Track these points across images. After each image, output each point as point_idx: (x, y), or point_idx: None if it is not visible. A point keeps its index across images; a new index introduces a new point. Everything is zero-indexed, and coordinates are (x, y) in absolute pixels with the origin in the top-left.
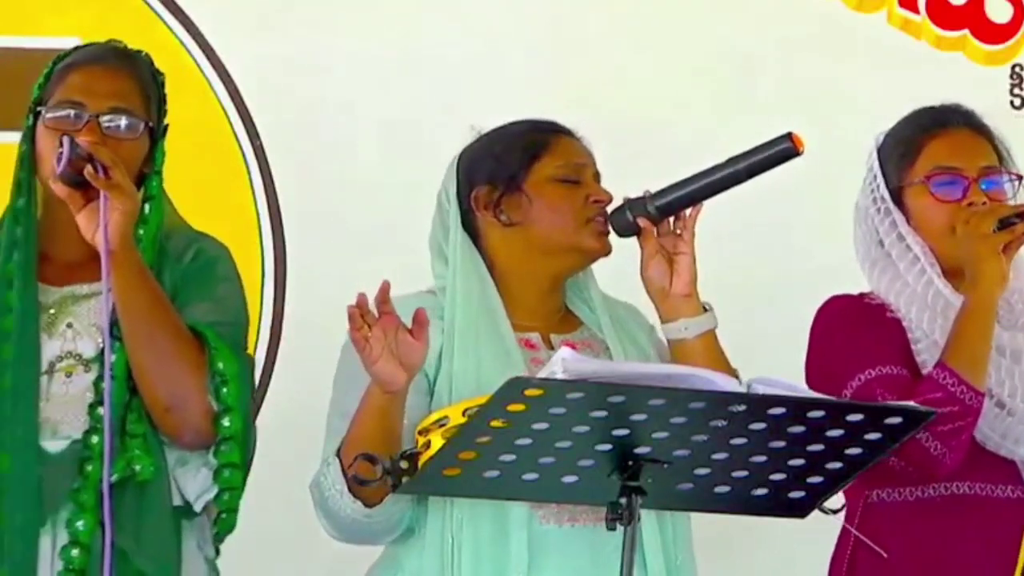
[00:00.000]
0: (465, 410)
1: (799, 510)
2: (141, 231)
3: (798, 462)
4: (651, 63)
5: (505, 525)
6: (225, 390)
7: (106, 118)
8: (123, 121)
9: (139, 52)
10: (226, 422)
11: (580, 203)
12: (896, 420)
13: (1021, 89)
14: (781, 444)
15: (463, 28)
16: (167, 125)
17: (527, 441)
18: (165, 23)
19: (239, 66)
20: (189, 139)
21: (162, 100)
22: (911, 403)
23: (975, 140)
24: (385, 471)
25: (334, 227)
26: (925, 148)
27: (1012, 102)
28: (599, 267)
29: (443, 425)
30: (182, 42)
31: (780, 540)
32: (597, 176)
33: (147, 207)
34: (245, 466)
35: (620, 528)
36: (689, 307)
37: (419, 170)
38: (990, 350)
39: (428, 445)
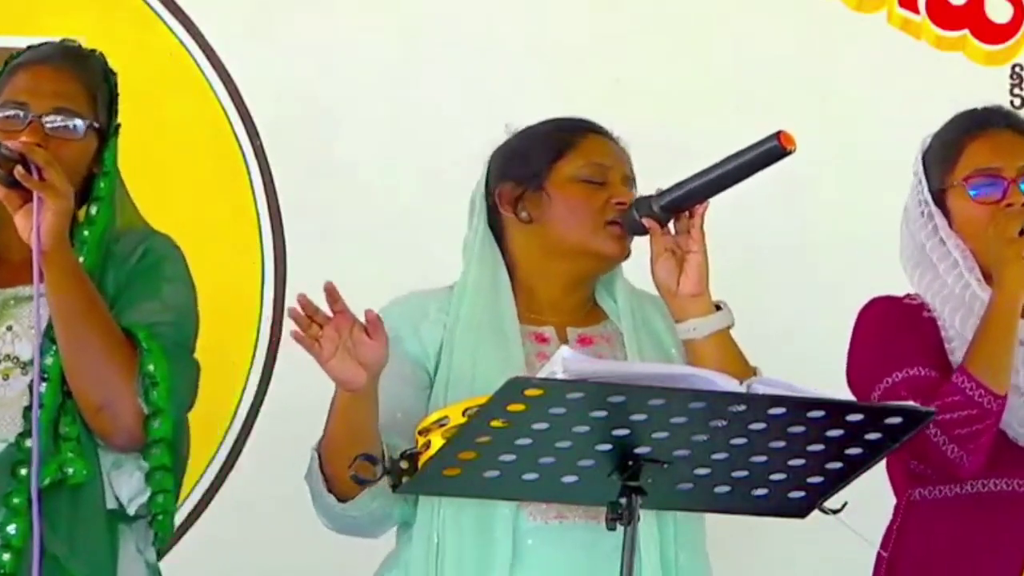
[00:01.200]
0: (465, 410)
1: (799, 510)
2: (87, 232)
3: (798, 462)
4: (651, 64)
5: (490, 522)
6: (155, 392)
7: (49, 118)
8: (67, 122)
9: (91, 51)
10: (156, 424)
11: (600, 204)
12: (896, 420)
13: (1021, 89)
14: (781, 444)
15: (463, 29)
16: (118, 125)
17: (527, 441)
18: (165, 23)
19: (239, 66)
20: (189, 139)
21: (113, 100)
22: (910, 403)
23: (1015, 141)
24: (385, 471)
25: (334, 227)
26: (966, 150)
27: (1012, 102)
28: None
29: (443, 425)
30: (182, 42)
31: (780, 540)
32: (627, 179)
33: (94, 208)
34: (177, 469)
35: (620, 528)
36: (698, 307)
37: (419, 170)
38: (1013, 353)
39: (428, 445)
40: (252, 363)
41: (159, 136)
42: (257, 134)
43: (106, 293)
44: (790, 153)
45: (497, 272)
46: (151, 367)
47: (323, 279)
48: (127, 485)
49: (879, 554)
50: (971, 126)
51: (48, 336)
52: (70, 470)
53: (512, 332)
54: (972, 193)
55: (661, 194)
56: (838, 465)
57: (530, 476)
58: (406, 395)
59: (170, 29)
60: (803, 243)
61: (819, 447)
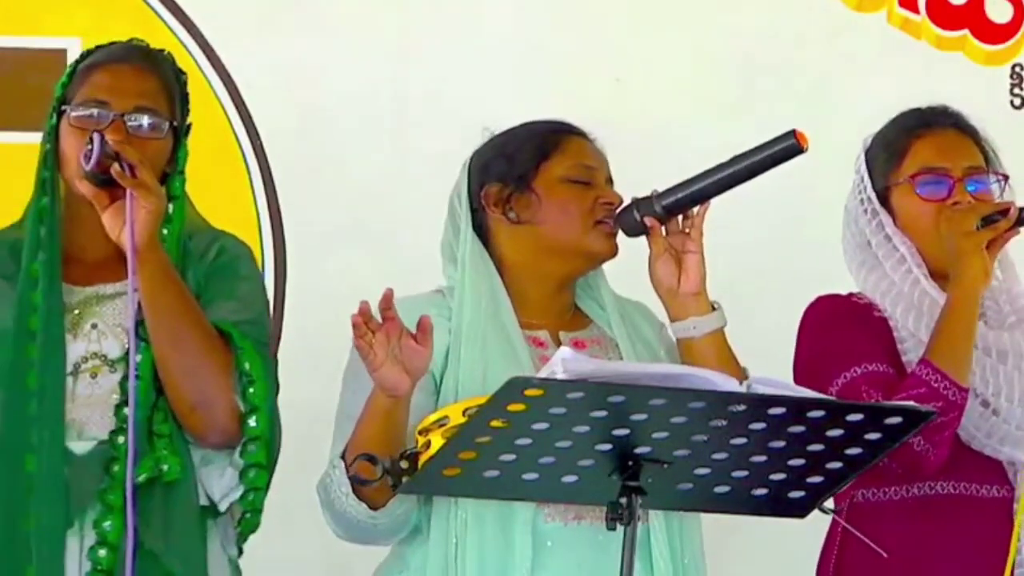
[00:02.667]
0: (465, 410)
1: (799, 510)
2: (165, 231)
3: (798, 462)
4: (651, 64)
5: (509, 524)
6: (252, 390)
7: (131, 117)
8: (148, 120)
9: (162, 51)
10: (252, 422)
11: (589, 204)
12: (896, 420)
13: (1021, 89)
14: (781, 444)
15: (463, 29)
16: (190, 124)
17: (527, 441)
18: (165, 23)
19: (239, 66)
20: (189, 139)
21: (185, 99)
22: (911, 403)
23: (961, 141)
24: (385, 471)
25: (334, 227)
26: (911, 149)
27: (1012, 102)
28: (609, 265)
29: (443, 425)
30: (182, 42)
31: (780, 540)
32: (609, 180)
33: (171, 207)
34: (270, 466)
35: (620, 528)
36: (697, 306)
37: (419, 170)
38: (973, 346)
39: (428, 445)
40: None
41: None
42: (257, 134)
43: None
44: (804, 151)
45: (492, 277)
46: (247, 364)
47: (323, 279)
48: (219, 482)
49: (824, 556)
50: (917, 125)
51: (137, 334)
52: (165, 467)
53: (516, 337)
54: (919, 191)
55: (664, 194)
56: (838, 465)
57: (530, 476)
58: (418, 400)
59: (170, 29)
60: (802, 243)
61: (819, 447)
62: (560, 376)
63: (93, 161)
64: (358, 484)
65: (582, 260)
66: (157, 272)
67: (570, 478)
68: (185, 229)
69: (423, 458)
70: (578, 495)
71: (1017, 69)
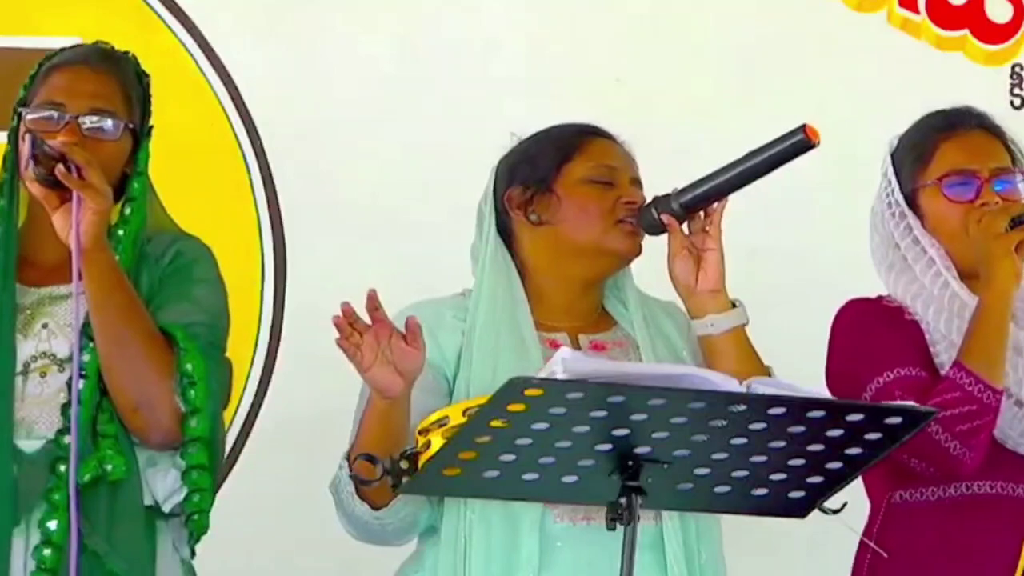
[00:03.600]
0: (465, 410)
1: (799, 510)
2: (121, 232)
3: (798, 462)
4: (650, 64)
5: (517, 524)
6: (193, 392)
7: (86, 119)
8: (103, 122)
9: (124, 53)
10: (193, 423)
11: (610, 204)
12: (896, 420)
13: (1021, 89)
14: (781, 444)
15: (464, 29)
16: (152, 127)
17: (527, 441)
18: (165, 23)
19: (239, 66)
20: (189, 139)
21: (146, 101)
22: (910, 403)
23: (987, 141)
24: (385, 471)
25: (334, 226)
26: (938, 151)
27: (1012, 102)
28: (637, 265)
29: (443, 425)
30: (182, 42)
31: (781, 540)
32: (635, 180)
33: (128, 208)
34: (214, 468)
35: (620, 528)
36: (716, 303)
37: (419, 170)
38: (1006, 348)
39: (428, 445)
40: (252, 363)
41: (159, 136)
42: (257, 134)
43: (140, 293)
44: (815, 146)
45: (511, 278)
46: (189, 366)
47: (323, 279)
48: (162, 483)
49: (859, 556)
50: (943, 126)
51: (86, 334)
52: (109, 467)
53: (530, 339)
54: (947, 193)
55: (681, 191)
56: (838, 465)
57: (530, 476)
58: (428, 403)
59: (170, 29)
60: (803, 244)
61: (819, 447)
62: (560, 376)
63: (24, 163)
64: (359, 484)
65: (604, 260)
66: (102, 273)
67: (570, 478)
68: (146, 231)
69: (423, 458)
70: (578, 495)
71: (1017, 69)
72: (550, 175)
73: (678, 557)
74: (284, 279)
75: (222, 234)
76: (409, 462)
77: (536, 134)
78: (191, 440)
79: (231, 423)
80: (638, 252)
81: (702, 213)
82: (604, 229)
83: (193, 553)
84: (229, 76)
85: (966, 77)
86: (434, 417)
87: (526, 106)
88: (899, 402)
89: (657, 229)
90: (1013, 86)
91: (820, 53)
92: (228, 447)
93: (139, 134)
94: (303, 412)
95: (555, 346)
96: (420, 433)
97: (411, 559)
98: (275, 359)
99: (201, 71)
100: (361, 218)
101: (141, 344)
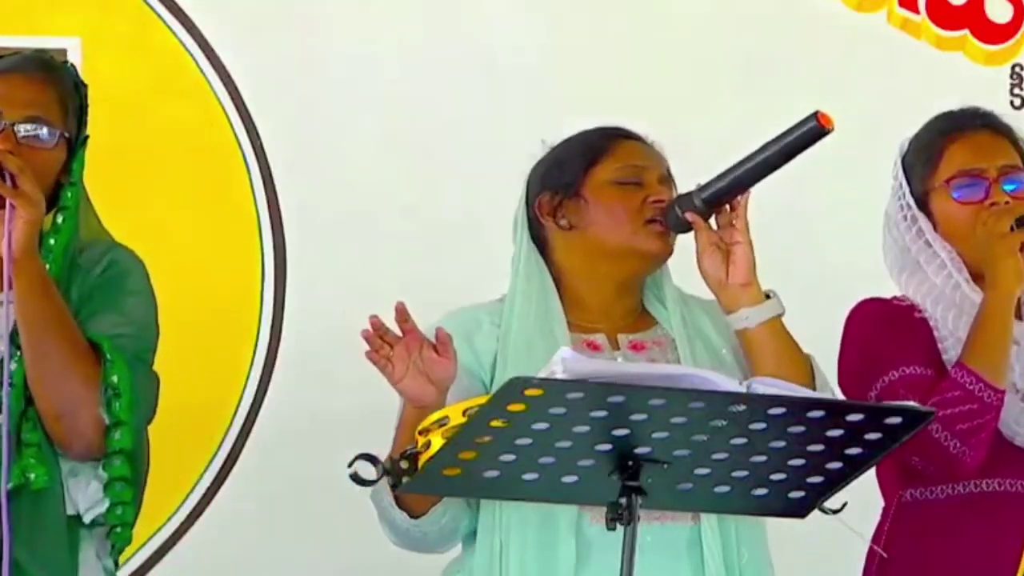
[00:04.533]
0: (465, 410)
1: (799, 510)
2: (52, 241)
3: (798, 462)
4: (650, 64)
5: (554, 529)
6: (118, 404)
7: (22, 127)
8: (39, 131)
9: (63, 62)
10: (117, 436)
11: (637, 205)
12: (896, 420)
13: (1021, 89)
14: (781, 444)
15: (463, 28)
16: (87, 136)
17: (527, 441)
18: (165, 23)
19: (239, 66)
20: (189, 139)
21: (83, 111)
22: (910, 403)
23: (995, 141)
24: (385, 471)
25: (334, 227)
26: (946, 152)
27: (1012, 102)
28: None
29: (443, 425)
30: (182, 42)
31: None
32: (664, 179)
33: (60, 218)
34: (137, 481)
35: (620, 528)
36: (749, 296)
37: (420, 170)
38: (1009, 348)
39: (428, 445)
40: (252, 363)
41: (159, 136)
42: (257, 134)
43: (70, 303)
44: (829, 132)
45: (544, 282)
46: (115, 378)
47: (323, 279)
48: (84, 494)
49: (870, 554)
50: (950, 128)
51: (13, 342)
52: (32, 475)
53: (563, 340)
54: (955, 194)
55: (703, 188)
56: (838, 465)
57: (530, 476)
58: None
59: (170, 29)
60: (803, 242)
61: (819, 447)
62: (560, 376)
63: None
64: (358, 483)
65: (635, 261)
66: (32, 282)
67: (570, 478)
68: (78, 241)
69: (423, 458)
70: (578, 495)
71: (1017, 69)
72: (577, 179)
73: (716, 557)
74: (284, 279)
75: (222, 234)
76: (409, 462)
77: (565, 140)
78: (114, 452)
79: (231, 422)
80: (669, 252)
81: (728, 207)
82: (633, 230)
83: (117, 564)
84: (229, 76)
85: (966, 77)
86: (434, 417)
87: (526, 106)
88: (899, 402)
89: (684, 227)
90: (1013, 86)
91: (820, 53)
92: (228, 447)
93: (74, 143)
94: (302, 412)
95: (593, 346)
96: (420, 433)
97: (453, 562)
98: (275, 359)
99: (201, 71)
100: (361, 218)
101: (67, 354)
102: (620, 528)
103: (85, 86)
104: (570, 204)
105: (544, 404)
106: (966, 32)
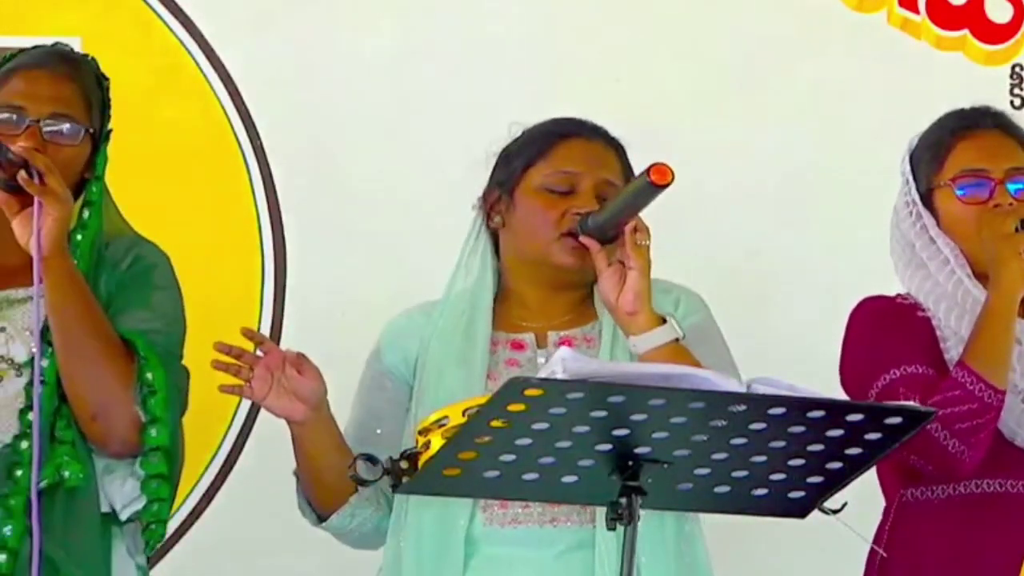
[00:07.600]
0: (465, 410)
1: (799, 510)
2: (79, 236)
3: (798, 462)
4: (649, 64)
5: (446, 528)
6: (153, 400)
7: (47, 123)
8: (64, 126)
9: (84, 56)
10: (153, 433)
11: (557, 216)
12: (896, 420)
13: (1021, 89)
14: (781, 444)
15: (463, 28)
16: (110, 130)
17: (527, 441)
18: (165, 23)
19: (239, 66)
20: (189, 139)
21: (106, 105)
22: (910, 403)
23: (1003, 141)
24: (385, 471)
25: (334, 228)
26: (953, 150)
27: (1012, 102)
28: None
29: (443, 425)
30: (182, 42)
31: (780, 540)
32: (602, 184)
33: (86, 213)
34: (173, 478)
35: (620, 528)
36: (635, 323)
37: (419, 170)
38: (1011, 349)
39: (428, 445)
40: None
41: (159, 136)
42: (257, 134)
43: (99, 298)
44: (664, 187)
45: (482, 278)
46: (149, 375)
47: (323, 279)
48: (120, 491)
49: (871, 554)
50: (959, 126)
51: (45, 339)
52: (66, 473)
53: (481, 340)
54: (959, 193)
55: (593, 214)
56: (838, 465)
57: (530, 476)
58: (385, 409)
59: (170, 29)
60: (802, 243)
61: (819, 447)
62: (560, 376)
63: None
64: (359, 483)
65: (549, 271)
66: (62, 278)
67: (570, 478)
68: (103, 236)
69: (423, 458)
70: (578, 495)
71: (1017, 69)
72: (514, 179)
73: (607, 560)
74: (284, 279)
75: (222, 234)
76: (409, 462)
77: (526, 129)
78: (151, 449)
79: (231, 422)
80: (579, 266)
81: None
82: (547, 243)
83: (160, 556)
84: (229, 76)
85: (966, 77)
86: (434, 417)
87: (526, 106)
88: (899, 402)
89: (603, 240)
90: (1013, 86)
91: (820, 53)
92: (228, 447)
93: (98, 138)
94: None
95: (517, 346)
96: (420, 433)
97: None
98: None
99: (201, 71)
100: (361, 218)
101: (100, 351)
102: (620, 528)
103: (107, 79)
104: (504, 203)
105: (544, 404)
106: (966, 32)
